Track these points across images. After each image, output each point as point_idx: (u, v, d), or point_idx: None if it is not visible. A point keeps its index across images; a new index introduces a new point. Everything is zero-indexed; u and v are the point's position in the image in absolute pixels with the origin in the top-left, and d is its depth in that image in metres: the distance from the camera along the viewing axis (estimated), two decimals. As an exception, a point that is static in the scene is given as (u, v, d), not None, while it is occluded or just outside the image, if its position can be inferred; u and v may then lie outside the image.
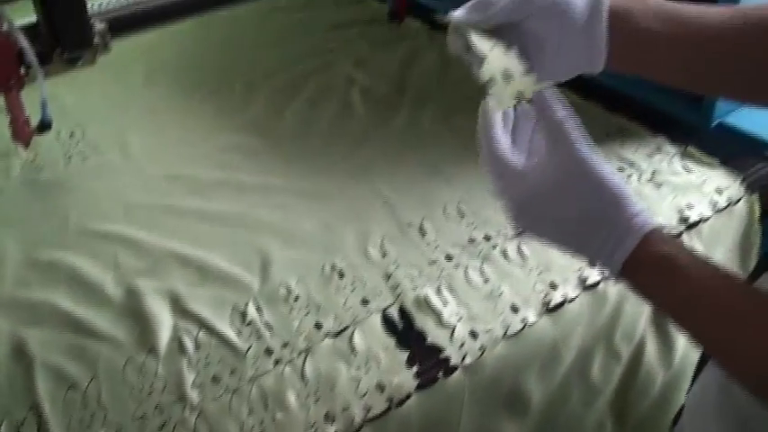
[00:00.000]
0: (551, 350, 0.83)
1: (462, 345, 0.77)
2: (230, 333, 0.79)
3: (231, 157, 1.05)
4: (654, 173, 0.98)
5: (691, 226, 0.92)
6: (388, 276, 0.85)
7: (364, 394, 0.73)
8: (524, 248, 0.87)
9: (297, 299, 0.83)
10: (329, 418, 0.71)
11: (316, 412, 0.72)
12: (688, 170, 0.99)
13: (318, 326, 0.79)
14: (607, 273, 0.54)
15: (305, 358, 0.76)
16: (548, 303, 0.82)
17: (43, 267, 0.87)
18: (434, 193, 0.97)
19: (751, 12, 0.58)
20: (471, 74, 0.59)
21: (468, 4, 0.58)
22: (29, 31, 0.90)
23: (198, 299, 0.82)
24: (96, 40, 0.96)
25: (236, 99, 1.18)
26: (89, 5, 0.97)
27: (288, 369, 0.75)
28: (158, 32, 1.35)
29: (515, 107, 0.59)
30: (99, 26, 0.97)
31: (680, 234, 0.91)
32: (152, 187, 0.99)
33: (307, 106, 1.15)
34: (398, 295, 0.83)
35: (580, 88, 1.07)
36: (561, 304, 0.82)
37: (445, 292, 0.83)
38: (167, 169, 1.03)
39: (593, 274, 0.84)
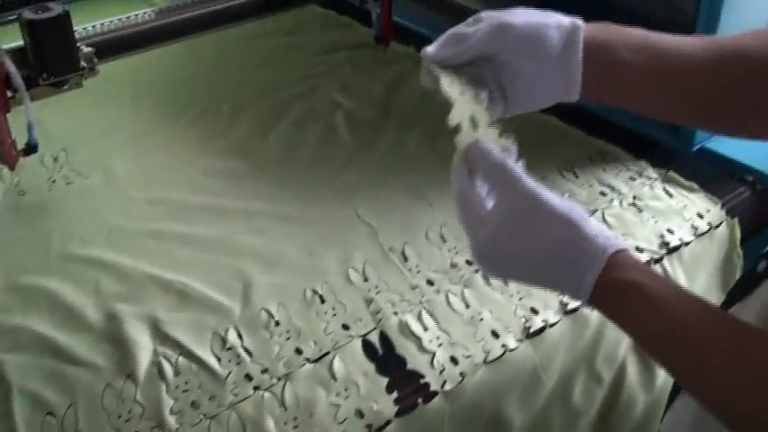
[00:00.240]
0: (532, 375, 0.83)
1: (442, 371, 0.77)
2: (210, 358, 0.79)
3: (214, 182, 1.06)
4: (635, 197, 0.99)
5: (672, 250, 0.92)
6: (369, 301, 0.85)
7: (343, 420, 0.73)
8: (506, 273, 0.88)
9: (278, 324, 0.82)
10: (308, 444, 0.71)
11: (294, 439, 0.72)
12: (669, 195, 1.00)
13: (299, 351, 0.79)
14: (580, 302, 0.55)
15: (284, 384, 0.76)
16: (528, 329, 0.82)
17: (24, 292, 0.87)
18: (417, 218, 0.97)
19: (727, 43, 0.58)
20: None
21: (440, 38, 0.59)
22: (16, 54, 0.91)
23: (178, 324, 0.82)
24: (83, 63, 0.96)
25: (221, 123, 1.18)
26: (76, 30, 0.97)
27: (267, 395, 0.75)
28: (145, 56, 1.36)
29: None
30: (86, 50, 0.97)
31: (661, 258, 0.91)
32: (134, 212, 0.99)
33: (292, 130, 1.16)
34: (379, 320, 0.83)
35: (562, 113, 1.09)
36: (542, 329, 0.82)
37: (426, 318, 0.83)
38: (150, 193, 1.03)
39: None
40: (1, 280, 0.89)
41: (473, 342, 0.80)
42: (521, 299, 0.85)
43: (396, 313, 0.83)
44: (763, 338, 0.48)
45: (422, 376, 0.77)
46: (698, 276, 0.95)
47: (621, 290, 0.52)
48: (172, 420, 0.73)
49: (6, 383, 0.76)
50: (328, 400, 0.75)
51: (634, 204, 0.98)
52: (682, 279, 0.93)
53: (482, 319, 0.83)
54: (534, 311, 0.84)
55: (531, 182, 0.54)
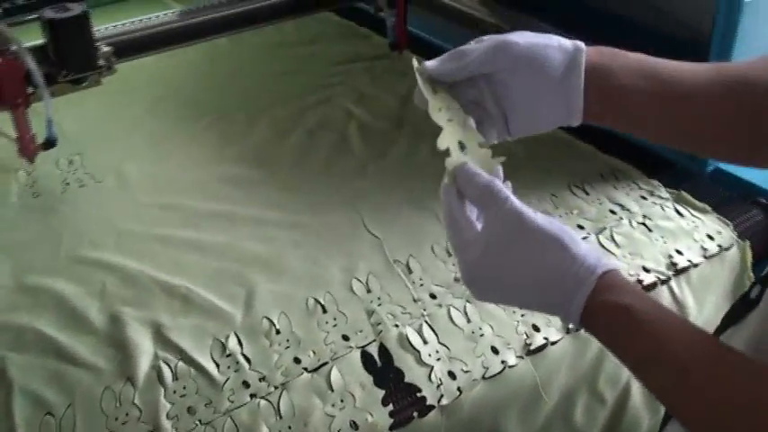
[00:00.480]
0: (532, 392, 0.82)
1: (440, 385, 0.77)
2: (209, 364, 0.79)
3: (227, 188, 1.07)
4: (645, 216, 0.98)
5: (680, 272, 0.91)
6: (370, 313, 0.85)
7: (337, 431, 0.73)
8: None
9: (278, 332, 0.83)
10: (301, 454, 0.71)
11: (288, 448, 0.72)
12: (680, 215, 0.99)
13: (297, 360, 0.80)
14: (571, 324, 0.54)
15: (281, 393, 0.76)
16: (529, 346, 0.81)
17: (32, 293, 0.88)
18: (424, 231, 0.97)
19: (732, 69, 0.58)
20: None
21: (443, 56, 0.59)
22: (36, 52, 0.93)
23: (180, 329, 0.83)
24: (101, 62, 0.98)
25: (236, 130, 1.19)
26: (97, 29, 0.99)
27: (263, 403, 0.75)
28: (165, 60, 1.37)
29: None
30: (105, 49, 0.99)
31: (668, 279, 0.90)
32: (145, 216, 1.00)
33: (305, 139, 1.17)
34: (380, 332, 0.83)
35: (575, 128, 1.07)
36: (543, 347, 0.82)
37: (426, 331, 0.83)
38: (162, 198, 1.04)
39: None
40: (10, 279, 0.90)
41: (472, 357, 0.80)
42: (523, 315, 0.84)
43: (396, 326, 0.83)
44: (748, 367, 0.47)
45: (419, 390, 0.77)
46: (707, 299, 0.94)
47: (611, 313, 0.51)
48: (168, 425, 0.73)
49: (8, 382, 0.77)
50: (324, 411, 0.75)
51: (643, 224, 0.97)
52: (690, 301, 0.92)
53: (483, 335, 0.82)
54: (536, 329, 0.83)
55: (518, 203, 0.54)
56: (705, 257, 0.93)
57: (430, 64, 0.59)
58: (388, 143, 1.14)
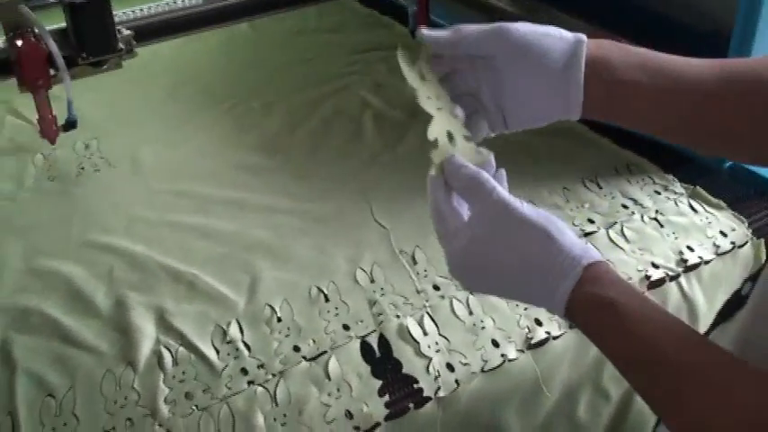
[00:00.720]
0: (533, 386, 0.81)
1: (437, 377, 0.77)
2: (209, 351, 0.80)
3: (241, 175, 1.07)
4: (657, 211, 0.96)
5: (690, 268, 0.90)
6: (372, 303, 0.85)
7: (332, 421, 0.73)
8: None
9: (279, 320, 0.83)
10: (294, 442, 0.72)
11: (281, 436, 0.72)
12: (694, 211, 0.97)
13: (296, 348, 0.80)
14: (557, 316, 0.53)
15: (278, 380, 0.76)
16: (530, 340, 0.81)
17: (41, 275, 0.90)
18: (431, 222, 0.96)
19: (733, 65, 0.56)
20: None
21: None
22: (58, 35, 0.94)
23: (184, 315, 0.84)
24: (121, 45, 0.99)
25: (252, 117, 1.20)
26: (117, 14, 1.00)
27: (260, 390, 0.76)
28: (184, 47, 1.38)
29: None
30: (125, 33, 1.00)
31: (677, 276, 0.89)
32: (157, 202, 1.01)
33: (320, 127, 1.17)
34: (380, 323, 0.83)
35: (591, 122, 1.06)
36: (545, 341, 0.81)
37: (427, 323, 0.82)
38: (175, 185, 1.05)
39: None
40: (21, 262, 0.92)
41: (472, 350, 0.80)
42: (525, 309, 0.84)
43: (398, 316, 0.83)
44: (733, 368, 0.46)
45: (415, 381, 0.77)
46: (717, 296, 0.92)
47: (595, 307, 0.51)
48: (165, 409, 0.74)
49: (12, 363, 0.79)
50: (319, 400, 0.75)
51: (655, 219, 0.95)
52: (700, 298, 0.90)
53: (484, 328, 0.82)
54: (538, 323, 0.82)
55: (504, 193, 0.53)
56: (717, 254, 0.91)
57: (427, 32, 0.58)
58: (401, 133, 1.14)
